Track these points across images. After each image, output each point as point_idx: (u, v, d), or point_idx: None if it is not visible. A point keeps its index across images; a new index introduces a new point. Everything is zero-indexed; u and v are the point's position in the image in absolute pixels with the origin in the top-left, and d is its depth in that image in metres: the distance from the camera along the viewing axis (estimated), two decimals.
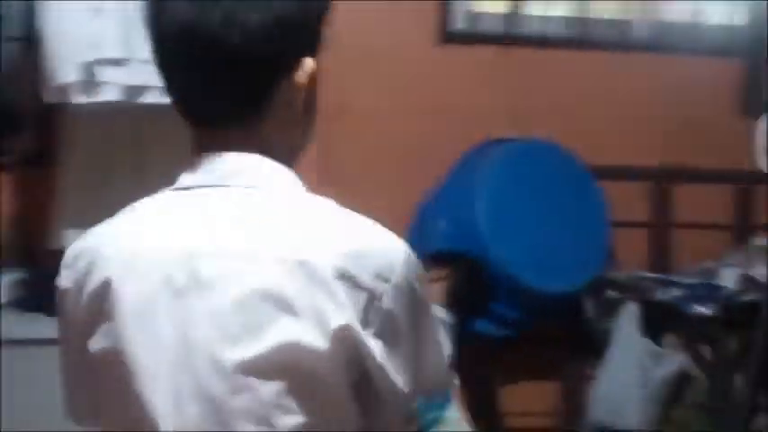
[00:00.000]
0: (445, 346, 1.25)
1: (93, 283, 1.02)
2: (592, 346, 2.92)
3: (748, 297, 2.64)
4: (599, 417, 2.91)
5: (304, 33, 1.05)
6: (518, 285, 2.92)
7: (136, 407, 0.98)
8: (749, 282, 2.69)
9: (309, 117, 1.11)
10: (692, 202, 3.24)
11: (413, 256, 1.04)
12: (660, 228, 3.22)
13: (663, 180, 3.21)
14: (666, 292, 2.80)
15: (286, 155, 1.09)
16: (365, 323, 0.97)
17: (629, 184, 3.22)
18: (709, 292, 2.72)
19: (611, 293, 2.92)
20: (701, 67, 3.10)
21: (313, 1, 1.07)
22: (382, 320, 0.98)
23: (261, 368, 0.96)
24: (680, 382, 2.78)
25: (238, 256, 0.98)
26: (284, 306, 0.96)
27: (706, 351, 2.75)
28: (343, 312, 0.96)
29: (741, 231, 3.21)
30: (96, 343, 1.01)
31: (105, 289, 1.00)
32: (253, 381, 0.96)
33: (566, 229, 3.02)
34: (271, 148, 1.06)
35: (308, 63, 1.06)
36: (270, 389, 0.96)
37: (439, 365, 1.12)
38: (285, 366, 0.96)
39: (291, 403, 0.96)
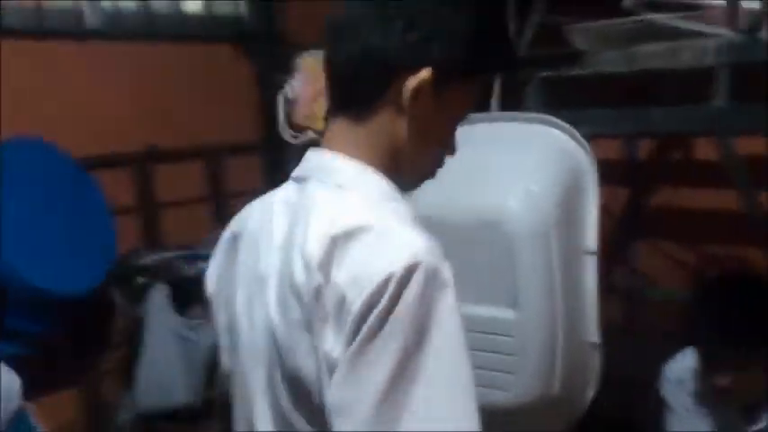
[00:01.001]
0: None
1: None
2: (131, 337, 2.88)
3: None
4: (147, 403, 2.91)
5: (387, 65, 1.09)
6: (32, 294, 2.70)
7: None
8: None
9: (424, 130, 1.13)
10: (171, 181, 3.37)
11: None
12: (150, 208, 3.29)
13: (146, 162, 3.27)
14: (193, 267, 2.91)
15: (385, 159, 1.13)
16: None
17: (110, 170, 3.20)
18: None
19: (139, 279, 2.91)
20: (185, 55, 3.24)
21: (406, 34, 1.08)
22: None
23: None
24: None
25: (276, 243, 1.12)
26: (295, 291, 1.05)
27: None
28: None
29: (218, 202, 3.48)
30: None
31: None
32: None
33: (70, 228, 2.90)
34: (367, 150, 1.12)
35: (408, 83, 1.09)
36: None
37: None
38: None
39: None
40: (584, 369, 2.01)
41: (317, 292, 1.01)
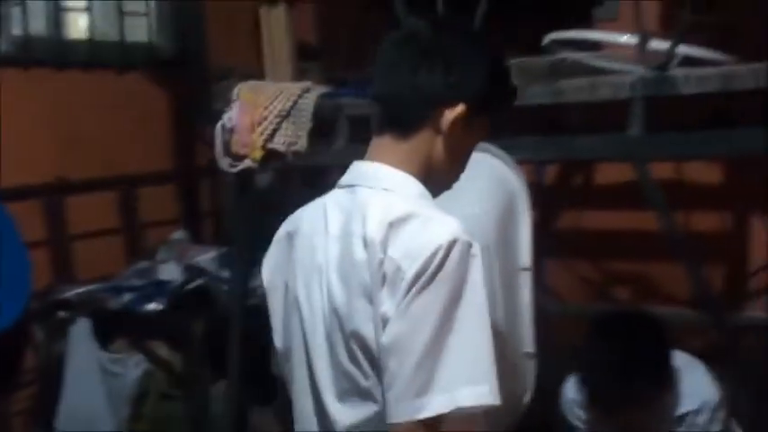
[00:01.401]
0: None
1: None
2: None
3: (195, 283, 2.95)
4: None
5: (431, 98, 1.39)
6: None
7: None
8: (193, 270, 3.00)
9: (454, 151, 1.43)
10: (84, 212, 3.33)
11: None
12: (63, 241, 3.24)
13: (57, 194, 3.23)
14: (118, 299, 2.91)
15: (420, 170, 1.41)
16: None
17: (21, 202, 3.14)
18: (158, 288, 2.93)
19: (60, 314, 2.88)
20: (97, 82, 3.24)
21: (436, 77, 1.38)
22: None
23: None
24: (144, 380, 2.94)
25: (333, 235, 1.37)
26: (356, 268, 1.32)
27: (162, 345, 2.96)
28: None
29: (133, 233, 3.46)
30: None
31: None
32: None
33: None
34: (407, 162, 1.40)
35: (448, 114, 1.38)
36: None
37: None
38: None
39: None
40: (522, 377, 2.18)
41: (379, 265, 1.29)
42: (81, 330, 2.90)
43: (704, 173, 3.07)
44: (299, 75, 2.87)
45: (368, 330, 1.30)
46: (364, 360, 1.32)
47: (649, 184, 2.20)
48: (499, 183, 2.18)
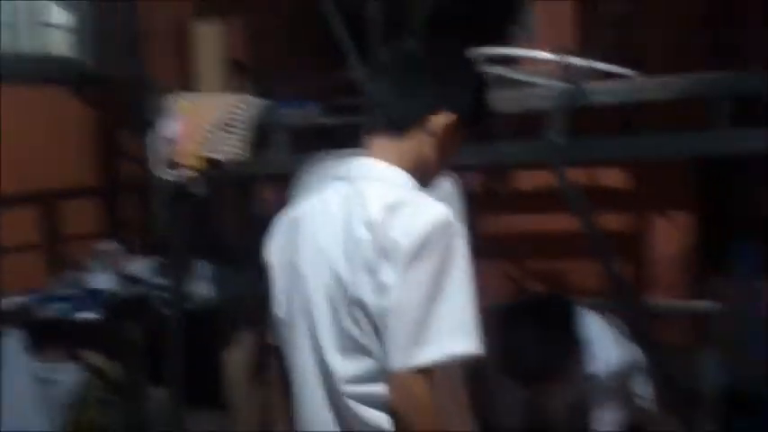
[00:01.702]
0: None
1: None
2: None
3: (132, 291, 3.02)
4: None
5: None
6: None
7: None
8: (127, 279, 3.06)
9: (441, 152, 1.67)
10: (5, 226, 3.32)
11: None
12: None
13: None
14: (50, 308, 2.95)
15: (411, 167, 1.65)
16: None
17: None
18: (92, 297, 2.98)
19: None
20: (9, 95, 3.25)
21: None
22: None
23: None
24: (80, 387, 2.98)
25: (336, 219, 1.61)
26: (359, 246, 1.57)
27: (96, 353, 3.01)
28: None
29: (55, 245, 3.49)
30: None
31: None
32: None
33: None
34: (400, 159, 1.64)
35: (440, 120, 1.63)
36: None
37: None
38: None
39: None
40: None
41: (380, 243, 1.53)
42: (13, 341, 2.92)
43: (611, 176, 3.36)
44: (230, 90, 2.99)
45: (369, 298, 1.54)
46: (364, 321, 1.56)
47: (569, 187, 2.42)
48: (433, 188, 2.37)
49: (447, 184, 2.39)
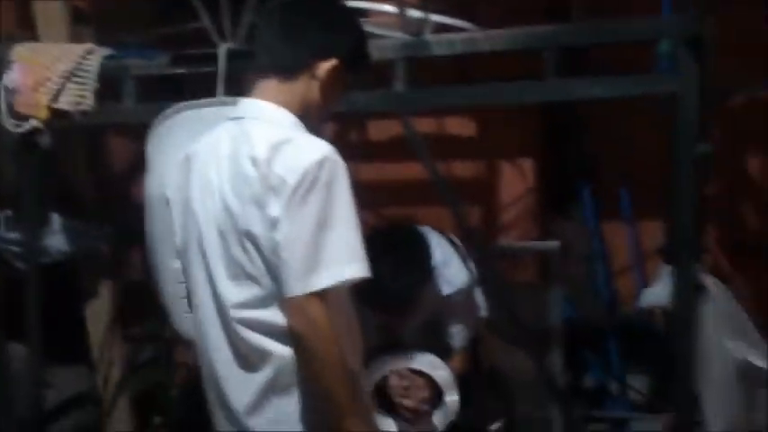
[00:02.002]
0: None
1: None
2: None
3: None
4: None
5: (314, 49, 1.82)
6: None
7: None
8: None
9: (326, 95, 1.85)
10: None
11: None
12: None
13: None
14: None
15: (298, 109, 1.83)
16: None
17: None
18: None
19: None
20: None
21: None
22: None
23: None
24: None
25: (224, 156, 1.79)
26: (246, 181, 1.75)
27: None
28: None
29: None
30: None
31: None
32: None
33: None
34: (287, 101, 1.82)
35: (324, 65, 1.81)
36: None
37: None
38: None
39: None
40: None
41: (266, 179, 1.68)
42: None
43: (459, 126, 3.53)
44: (72, 39, 2.97)
45: (258, 230, 1.71)
46: (253, 252, 1.73)
47: (414, 135, 2.56)
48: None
49: None
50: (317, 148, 1.72)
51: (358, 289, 2.46)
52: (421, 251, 2.53)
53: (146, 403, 3.39)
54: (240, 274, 1.76)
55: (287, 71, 1.84)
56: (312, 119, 1.88)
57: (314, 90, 1.85)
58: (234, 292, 1.78)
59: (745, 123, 3.48)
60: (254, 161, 1.71)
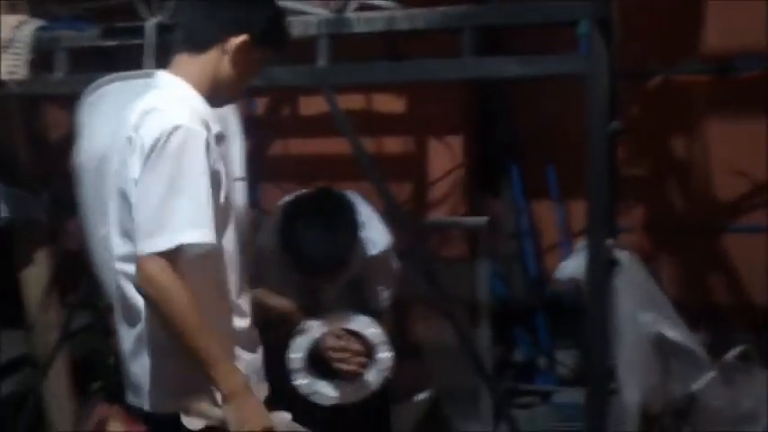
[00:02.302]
0: None
1: None
2: None
3: None
4: None
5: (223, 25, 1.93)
6: None
7: None
8: None
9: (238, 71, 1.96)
10: None
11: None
12: None
13: None
14: None
15: (207, 82, 1.96)
16: None
17: None
18: None
19: None
20: None
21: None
22: None
23: None
24: None
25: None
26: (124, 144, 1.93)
27: None
28: None
29: None
30: None
31: None
32: None
33: None
34: (196, 75, 1.95)
35: (233, 41, 1.92)
36: None
37: None
38: None
39: None
40: None
41: (132, 142, 1.86)
42: None
43: (389, 103, 3.66)
44: (6, 10, 3.04)
45: (128, 189, 1.87)
46: (126, 209, 1.90)
47: (336, 109, 2.68)
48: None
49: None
50: (174, 117, 1.84)
51: (285, 251, 2.58)
52: (347, 213, 2.61)
53: (84, 369, 3.48)
54: (122, 230, 1.94)
55: (197, 46, 1.95)
56: (224, 93, 2.00)
57: (225, 65, 1.95)
58: (119, 246, 1.96)
59: (667, 105, 3.65)
60: (129, 126, 1.88)
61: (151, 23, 2.61)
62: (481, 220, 3.64)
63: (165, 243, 1.79)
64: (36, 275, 3.33)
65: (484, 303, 3.62)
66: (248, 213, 2.66)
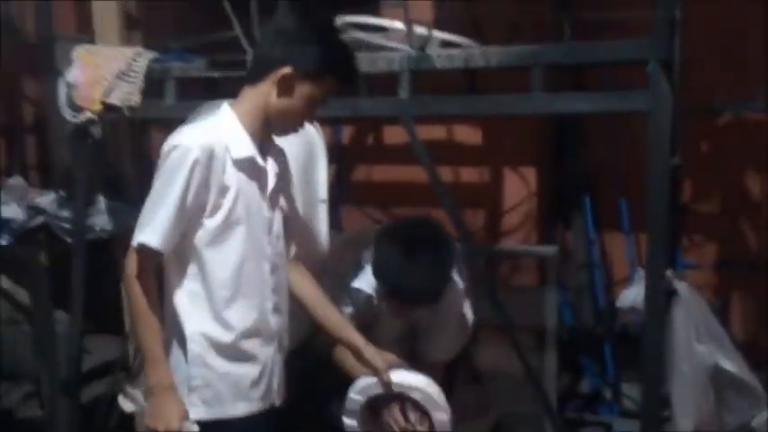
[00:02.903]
0: None
1: None
2: None
3: (37, 221, 3.50)
4: None
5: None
6: None
7: None
8: (34, 210, 3.53)
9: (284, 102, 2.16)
10: None
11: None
12: None
13: None
14: None
15: (260, 111, 2.19)
16: None
17: None
18: (2, 225, 3.44)
19: None
20: None
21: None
22: None
23: None
24: None
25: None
26: None
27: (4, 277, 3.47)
28: None
29: None
30: None
31: None
32: None
33: None
34: (249, 104, 2.18)
35: (278, 72, 2.12)
36: None
37: None
38: None
39: None
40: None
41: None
42: None
43: (468, 135, 3.92)
44: (124, 42, 3.44)
45: None
46: None
47: (414, 138, 2.95)
48: (301, 134, 2.90)
49: (311, 129, 2.93)
50: (178, 138, 2.12)
51: (380, 279, 2.60)
52: (446, 242, 2.66)
53: None
54: None
55: (254, 79, 2.18)
56: (278, 123, 2.20)
57: (273, 96, 2.15)
58: None
59: (737, 141, 3.78)
60: None
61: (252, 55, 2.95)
62: (551, 249, 3.78)
63: (135, 240, 2.11)
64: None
65: (552, 331, 3.72)
66: (331, 236, 2.95)
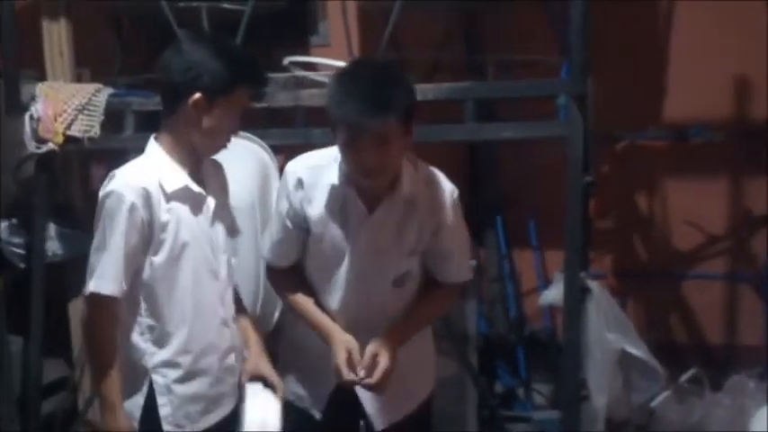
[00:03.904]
0: None
1: None
2: None
3: None
4: None
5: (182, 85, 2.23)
6: None
7: None
8: None
9: (196, 126, 2.27)
10: None
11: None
12: None
13: None
14: None
15: (181, 140, 2.32)
16: None
17: None
18: None
19: None
20: None
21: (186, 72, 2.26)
22: None
23: None
24: None
25: None
26: None
27: None
28: None
29: None
30: None
31: None
32: None
33: None
34: (169, 135, 2.33)
35: (189, 100, 2.23)
36: None
37: None
38: None
39: None
40: (275, 297, 2.97)
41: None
42: None
43: None
44: (75, 79, 3.74)
45: None
46: None
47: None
48: (257, 159, 3.28)
49: (266, 155, 3.26)
50: (111, 184, 2.24)
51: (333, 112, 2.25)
52: (396, 70, 2.47)
53: None
54: None
55: (167, 110, 2.31)
56: (204, 147, 2.33)
57: (190, 123, 2.25)
58: None
59: (633, 166, 4.33)
60: None
61: None
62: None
63: (86, 290, 2.24)
64: (82, 307, 3.92)
65: (472, 339, 4.08)
66: None
